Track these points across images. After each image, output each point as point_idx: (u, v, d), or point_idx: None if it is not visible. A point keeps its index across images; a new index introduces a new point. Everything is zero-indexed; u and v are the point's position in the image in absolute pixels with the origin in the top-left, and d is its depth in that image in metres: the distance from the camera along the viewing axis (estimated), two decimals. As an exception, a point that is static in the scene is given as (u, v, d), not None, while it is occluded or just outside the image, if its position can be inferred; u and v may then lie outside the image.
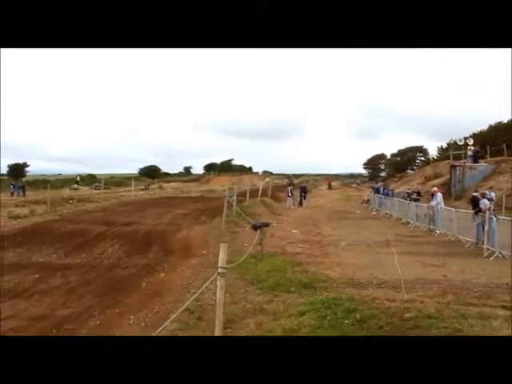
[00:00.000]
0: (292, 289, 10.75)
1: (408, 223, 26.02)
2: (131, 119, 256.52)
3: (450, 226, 20.83)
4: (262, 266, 12.93)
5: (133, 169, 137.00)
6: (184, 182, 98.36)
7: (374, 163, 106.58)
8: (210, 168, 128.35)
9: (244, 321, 8.70)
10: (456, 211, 20.99)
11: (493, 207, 19.64)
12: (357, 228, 24.38)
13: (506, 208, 25.96)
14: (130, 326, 8.58)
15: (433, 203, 23.49)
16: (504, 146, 42.94)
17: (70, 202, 36.58)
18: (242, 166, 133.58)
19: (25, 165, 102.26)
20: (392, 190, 40.45)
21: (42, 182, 67.55)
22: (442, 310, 8.62)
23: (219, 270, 6.33)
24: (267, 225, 16.60)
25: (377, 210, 35.44)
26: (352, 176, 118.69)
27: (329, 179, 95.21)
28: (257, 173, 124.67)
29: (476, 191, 22.58)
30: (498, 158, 41.55)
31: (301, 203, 40.02)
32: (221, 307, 6.30)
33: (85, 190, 60.61)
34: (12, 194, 55.67)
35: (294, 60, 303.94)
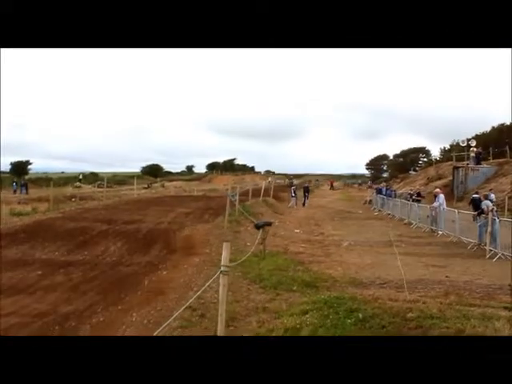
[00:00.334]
0: (294, 288, 10.76)
1: (410, 224, 26.02)
2: (134, 118, 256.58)
3: (452, 227, 20.84)
4: (265, 265, 12.93)
5: (135, 167, 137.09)
6: (186, 180, 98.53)
7: (376, 164, 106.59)
8: (212, 167, 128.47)
9: (246, 319, 8.71)
10: (458, 212, 21.00)
11: (496, 208, 19.63)
12: (359, 228, 24.42)
13: (508, 210, 25.97)
14: (133, 323, 8.59)
15: (435, 204, 23.50)
16: (507, 148, 42.89)
17: (73, 199, 36.64)
18: (244, 166, 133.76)
19: (27, 162, 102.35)
20: (394, 190, 40.48)
21: (45, 180, 67.49)
22: (444, 310, 8.61)
23: (222, 269, 6.34)
24: (269, 224, 16.60)
25: (379, 211, 35.45)
26: (354, 176, 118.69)
27: (331, 179, 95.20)
28: (259, 172, 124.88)
29: (477, 193, 22.59)
30: (500, 160, 41.57)
31: (303, 203, 40.11)
32: (223, 305, 6.31)
33: (87, 188, 60.86)
34: (15, 191, 55.81)
35: (296, 60, 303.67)
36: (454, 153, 45.35)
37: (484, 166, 39.53)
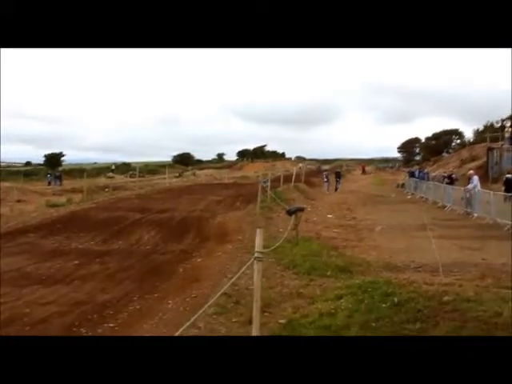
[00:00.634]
0: (328, 273, 10.75)
1: (444, 207, 25.70)
2: (164, 108, 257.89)
3: (487, 208, 20.53)
4: (298, 251, 12.94)
5: (166, 156, 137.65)
6: (217, 168, 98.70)
7: (408, 147, 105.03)
8: (242, 154, 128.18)
9: (281, 305, 8.74)
10: (494, 194, 20.67)
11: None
12: (392, 212, 24.20)
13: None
14: (169, 310, 8.68)
15: (469, 186, 23.18)
16: (543, 127, 41.88)
17: (106, 190, 37.14)
18: (274, 152, 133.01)
19: (61, 154, 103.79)
20: (427, 172, 39.87)
21: (78, 171, 68.61)
22: (480, 293, 8.51)
23: (256, 255, 6.35)
24: (302, 210, 16.58)
25: (412, 194, 35.07)
26: (386, 160, 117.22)
27: (362, 164, 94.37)
28: (290, 158, 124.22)
29: (509, 173, 22.23)
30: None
31: (335, 188, 39.96)
32: (258, 291, 6.32)
33: (120, 179, 61.66)
34: (49, 183, 56.84)
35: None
36: (488, 134, 44.52)
37: (520, 145, 38.71)
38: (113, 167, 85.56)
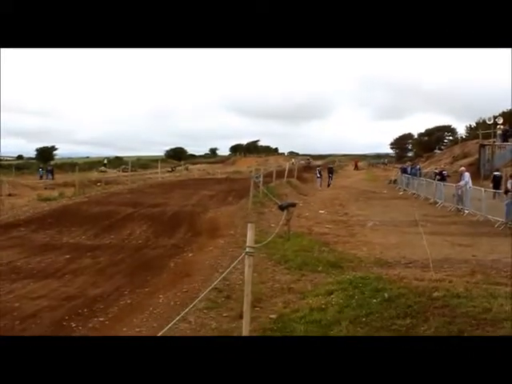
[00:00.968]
0: (319, 268, 10.78)
1: (436, 203, 25.77)
2: (157, 102, 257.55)
3: (478, 205, 20.62)
4: (289, 246, 12.96)
5: (159, 151, 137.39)
6: (210, 163, 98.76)
7: (401, 143, 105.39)
8: (235, 149, 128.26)
9: (272, 300, 8.76)
10: (485, 191, 20.76)
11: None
12: (384, 208, 24.27)
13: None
14: (160, 304, 8.68)
15: (461, 183, 23.26)
16: (535, 125, 42.03)
17: (98, 184, 37.00)
18: (267, 148, 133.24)
19: (53, 148, 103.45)
20: (420, 168, 39.89)
21: (70, 165, 68.21)
22: (471, 289, 8.56)
23: (247, 250, 6.35)
24: (294, 205, 16.60)
25: (404, 190, 35.14)
26: (379, 156, 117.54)
27: (355, 159, 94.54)
28: (283, 154, 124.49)
29: (498, 170, 22.41)
30: (528, 137, 40.72)
31: (328, 184, 40.02)
32: (249, 286, 6.33)
33: (112, 173, 61.44)
34: (41, 177, 56.60)
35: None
36: (481, 130, 44.56)
37: (511, 143, 38.82)
38: (105, 161, 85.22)
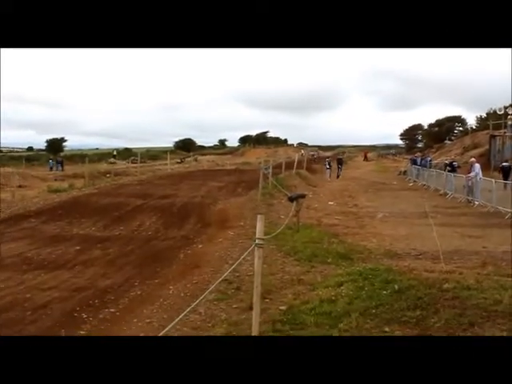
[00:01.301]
0: (329, 260, 10.76)
1: (446, 194, 25.66)
2: (167, 94, 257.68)
3: (489, 196, 20.50)
4: (299, 238, 12.95)
5: (168, 142, 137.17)
6: (219, 154, 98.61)
7: (411, 134, 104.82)
8: (244, 141, 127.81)
9: (282, 291, 8.76)
10: (495, 182, 20.64)
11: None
12: (393, 199, 24.18)
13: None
14: (170, 295, 8.71)
15: (471, 174, 23.13)
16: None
17: (108, 175, 37.12)
18: (277, 139, 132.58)
19: (62, 140, 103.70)
20: (431, 160, 39.67)
21: (80, 157, 68.35)
22: (481, 281, 8.52)
23: (257, 241, 6.35)
24: (303, 196, 16.57)
25: (414, 182, 35.00)
26: (388, 147, 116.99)
27: (365, 150, 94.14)
28: (292, 145, 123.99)
29: (506, 161, 22.29)
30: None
31: (337, 175, 39.90)
32: (259, 278, 6.33)
33: (121, 164, 61.62)
34: (51, 168, 56.93)
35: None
36: (491, 121, 44.29)
37: (522, 133, 38.54)
38: (114, 153, 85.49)
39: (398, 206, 21.34)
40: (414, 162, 38.72)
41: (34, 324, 7.34)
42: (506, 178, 19.51)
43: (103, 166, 53.80)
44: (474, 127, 67.64)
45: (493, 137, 38.49)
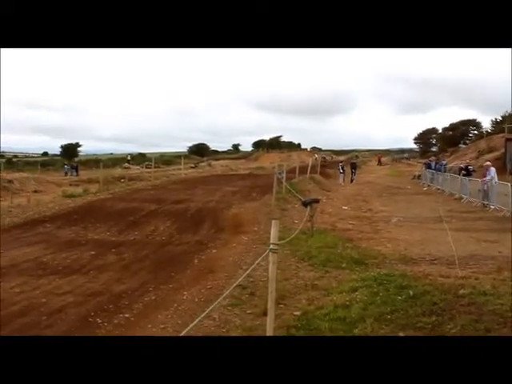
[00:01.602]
0: (343, 265, 10.74)
1: (461, 199, 25.49)
2: (180, 99, 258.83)
3: (505, 200, 20.32)
4: (313, 243, 12.93)
5: (182, 147, 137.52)
6: (233, 159, 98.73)
7: (425, 138, 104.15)
8: (258, 145, 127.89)
9: (296, 297, 8.75)
10: (511, 186, 20.46)
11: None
12: (408, 204, 24.06)
13: None
14: (184, 301, 8.72)
15: (487, 178, 22.97)
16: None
17: (122, 180, 37.29)
18: (290, 143, 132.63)
19: (77, 145, 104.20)
20: (445, 164, 39.42)
21: (94, 162, 68.76)
22: (497, 286, 8.45)
23: (271, 247, 6.34)
24: (317, 201, 16.52)
25: (428, 186, 34.83)
26: (402, 151, 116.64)
27: (379, 154, 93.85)
28: (305, 149, 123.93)
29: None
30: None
31: (351, 179, 39.83)
32: (273, 283, 6.32)
33: (135, 169, 61.76)
34: (66, 173, 57.21)
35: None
36: (506, 124, 43.89)
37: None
38: (129, 158, 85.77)
39: (412, 211, 21.22)
40: (428, 166, 38.52)
41: (49, 328, 7.38)
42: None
43: (117, 171, 53.99)
44: (489, 130, 67.10)
45: (508, 140, 38.15)
